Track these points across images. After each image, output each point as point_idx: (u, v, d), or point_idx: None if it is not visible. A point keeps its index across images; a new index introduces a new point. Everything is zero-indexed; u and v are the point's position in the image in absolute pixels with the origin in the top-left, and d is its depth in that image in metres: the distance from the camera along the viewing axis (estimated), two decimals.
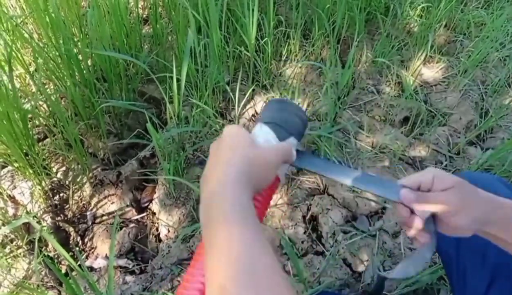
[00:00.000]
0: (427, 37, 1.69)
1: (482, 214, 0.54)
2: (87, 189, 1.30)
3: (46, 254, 1.16)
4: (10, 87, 1.15)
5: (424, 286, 1.09)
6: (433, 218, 0.55)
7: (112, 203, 1.28)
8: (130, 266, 1.16)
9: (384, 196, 0.56)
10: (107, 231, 1.22)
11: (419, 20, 1.86)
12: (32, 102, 1.34)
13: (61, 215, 1.26)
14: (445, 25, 1.89)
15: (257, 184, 0.46)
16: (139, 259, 1.19)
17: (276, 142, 0.54)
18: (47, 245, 1.19)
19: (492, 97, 1.62)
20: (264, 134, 0.55)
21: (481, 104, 1.61)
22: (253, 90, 1.55)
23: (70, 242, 1.21)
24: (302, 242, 1.19)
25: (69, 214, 1.26)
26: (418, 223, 0.54)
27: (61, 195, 1.29)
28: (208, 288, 0.37)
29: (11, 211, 1.23)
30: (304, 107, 1.55)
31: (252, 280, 0.35)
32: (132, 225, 1.24)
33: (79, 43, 1.35)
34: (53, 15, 1.22)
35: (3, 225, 1.18)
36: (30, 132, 1.25)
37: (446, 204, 0.53)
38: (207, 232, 0.41)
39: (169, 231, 1.22)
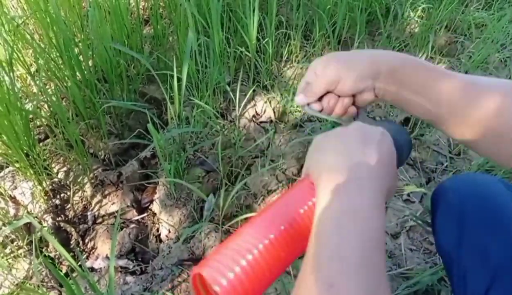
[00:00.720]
0: (428, 38, 1.69)
1: (367, 69, 0.56)
2: (88, 189, 1.30)
3: (46, 254, 1.16)
4: (11, 87, 1.15)
5: (425, 287, 1.09)
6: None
7: (113, 203, 1.28)
8: (131, 267, 1.15)
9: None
10: (107, 231, 1.22)
11: (420, 21, 1.86)
12: (33, 103, 1.34)
13: (62, 216, 1.26)
14: (446, 26, 1.90)
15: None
16: (140, 259, 1.19)
17: None
18: (47, 246, 1.19)
19: None
20: None
21: None
22: (254, 91, 1.55)
23: (71, 242, 1.21)
24: None
25: (70, 214, 1.26)
26: (337, 108, 0.61)
27: (62, 195, 1.29)
28: (320, 250, 0.38)
29: (12, 211, 1.23)
30: None
31: (362, 278, 0.35)
32: (132, 225, 1.24)
33: (80, 44, 1.36)
34: (54, 15, 1.22)
35: (4, 225, 1.18)
36: (31, 132, 1.25)
37: (325, 80, 0.58)
38: (327, 215, 0.41)
39: (169, 232, 1.22)
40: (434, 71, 0.56)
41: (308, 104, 0.63)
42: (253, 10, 1.40)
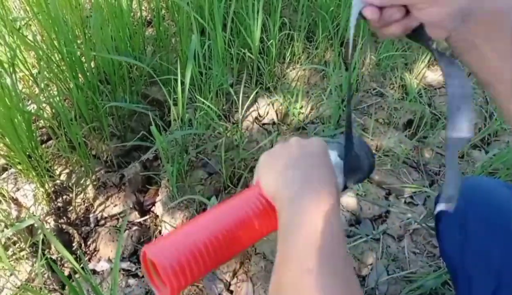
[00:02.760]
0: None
1: (462, 6, 0.42)
2: (90, 192, 1.30)
3: (49, 256, 1.16)
4: (13, 89, 1.15)
5: (428, 291, 1.08)
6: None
7: (115, 205, 1.28)
8: (133, 269, 1.15)
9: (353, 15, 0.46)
10: (110, 233, 1.21)
11: None
12: (35, 105, 1.34)
13: (64, 218, 1.25)
14: None
15: None
16: None
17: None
18: (50, 248, 1.18)
19: None
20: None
21: (485, 107, 1.60)
22: (257, 93, 1.55)
23: (73, 244, 1.21)
24: None
25: (72, 217, 1.26)
26: (395, 15, 0.45)
27: (64, 197, 1.29)
28: (290, 268, 0.42)
29: (14, 213, 1.23)
30: (307, 110, 1.55)
31: (333, 268, 0.40)
32: (135, 227, 1.24)
33: (82, 46, 1.35)
34: (55, 17, 1.22)
35: (6, 227, 1.17)
36: (33, 134, 1.25)
37: None
38: (295, 218, 0.45)
39: None
40: None
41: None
42: (257, 12, 1.39)
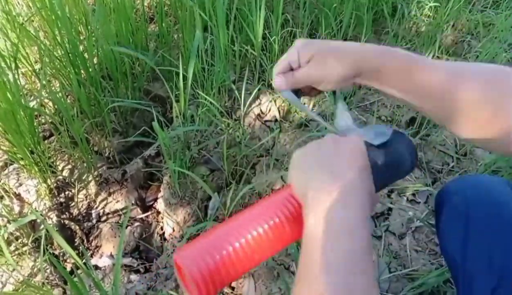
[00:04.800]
0: (435, 37, 1.68)
1: (349, 70, 0.54)
2: (92, 187, 1.30)
3: (51, 252, 1.16)
4: (15, 84, 1.15)
5: (430, 289, 1.08)
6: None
7: (117, 201, 1.28)
8: (135, 265, 1.15)
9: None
10: (112, 229, 1.21)
11: (427, 20, 1.84)
12: (38, 100, 1.34)
13: (66, 213, 1.26)
14: (453, 25, 1.88)
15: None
16: (144, 258, 1.19)
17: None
18: (52, 243, 1.19)
19: None
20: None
21: None
22: (259, 89, 1.54)
23: (75, 240, 1.21)
24: None
25: (74, 212, 1.26)
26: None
27: (67, 193, 1.29)
28: (310, 274, 0.40)
29: (16, 209, 1.24)
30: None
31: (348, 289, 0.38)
32: (137, 223, 1.24)
33: (84, 41, 1.35)
34: (58, 12, 1.22)
35: (9, 222, 1.18)
36: (36, 130, 1.25)
37: (310, 78, 0.57)
38: (315, 230, 0.42)
39: (174, 230, 1.22)
40: (415, 64, 0.53)
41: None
42: (260, 8, 1.39)
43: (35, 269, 1.12)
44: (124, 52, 1.31)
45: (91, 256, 1.18)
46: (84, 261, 1.13)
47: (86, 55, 1.31)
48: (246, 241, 0.45)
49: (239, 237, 0.45)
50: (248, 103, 1.48)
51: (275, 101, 1.54)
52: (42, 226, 1.18)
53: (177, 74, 1.20)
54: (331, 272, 0.39)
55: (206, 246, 0.45)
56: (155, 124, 1.13)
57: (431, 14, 1.86)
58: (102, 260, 1.16)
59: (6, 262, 1.09)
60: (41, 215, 1.22)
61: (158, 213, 1.28)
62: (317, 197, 0.44)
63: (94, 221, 1.25)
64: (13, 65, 1.21)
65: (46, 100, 1.40)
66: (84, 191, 1.30)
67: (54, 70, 1.33)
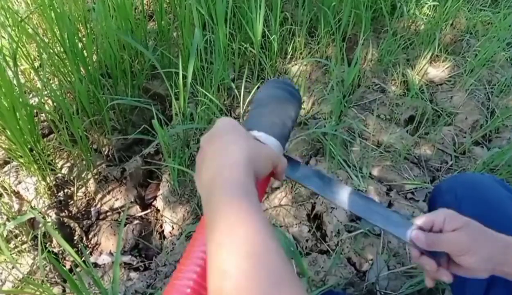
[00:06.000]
0: (434, 36, 1.68)
1: (490, 253, 0.54)
2: (92, 185, 1.30)
3: (50, 250, 1.16)
4: (15, 82, 1.14)
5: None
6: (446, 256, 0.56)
7: (117, 199, 1.28)
8: (134, 263, 1.15)
9: (392, 233, 0.55)
10: (111, 227, 1.21)
11: (426, 19, 1.84)
12: (37, 98, 1.34)
13: (66, 211, 1.25)
14: (451, 24, 1.88)
15: (257, 172, 0.44)
16: (143, 255, 1.19)
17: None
18: (51, 241, 1.19)
19: (498, 97, 1.61)
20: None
21: (487, 104, 1.60)
22: (258, 87, 1.54)
23: (74, 238, 1.21)
24: (307, 241, 1.19)
25: (74, 210, 1.26)
26: (432, 264, 0.55)
27: (66, 191, 1.29)
28: (209, 273, 0.35)
29: (15, 206, 1.23)
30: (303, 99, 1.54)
31: (255, 266, 0.33)
32: (136, 221, 1.24)
33: (84, 39, 1.35)
34: (58, 10, 1.21)
35: (8, 220, 1.18)
36: (35, 127, 1.25)
37: (455, 244, 0.54)
38: (209, 215, 0.39)
39: (173, 228, 1.22)
40: None
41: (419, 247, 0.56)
42: (259, 6, 1.39)
43: (35, 267, 1.12)
44: (126, 45, 1.31)
45: (90, 254, 1.18)
46: (83, 258, 1.13)
47: (85, 52, 1.31)
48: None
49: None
50: (247, 101, 1.49)
51: None
52: (41, 224, 1.18)
53: (177, 72, 1.20)
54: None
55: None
56: (154, 122, 1.13)
57: (430, 13, 1.86)
58: (101, 258, 1.16)
59: (5, 259, 1.09)
60: (40, 213, 1.22)
61: (158, 211, 1.28)
62: (204, 197, 0.43)
63: (93, 219, 1.25)
64: (12, 63, 1.21)
65: (45, 98, 1.40)
66: (83, 189, 1.30)
67: (53, 68, 1.33)
